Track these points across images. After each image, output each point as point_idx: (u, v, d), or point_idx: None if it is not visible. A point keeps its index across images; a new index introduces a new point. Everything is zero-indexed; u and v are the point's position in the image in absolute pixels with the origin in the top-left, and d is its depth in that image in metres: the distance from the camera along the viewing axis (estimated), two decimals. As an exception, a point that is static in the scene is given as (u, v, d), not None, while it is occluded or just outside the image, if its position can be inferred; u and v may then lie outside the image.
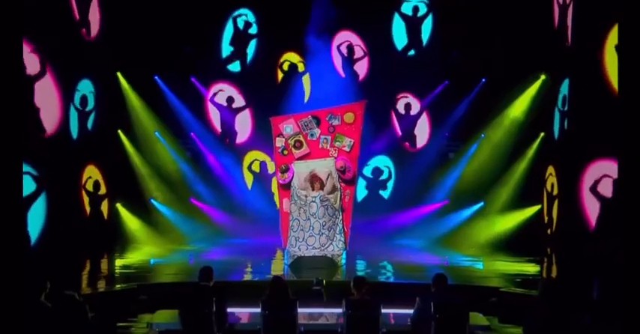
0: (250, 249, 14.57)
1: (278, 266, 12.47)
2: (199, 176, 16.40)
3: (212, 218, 16.15)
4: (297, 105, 15.91)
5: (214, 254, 14.12)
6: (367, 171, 16.86)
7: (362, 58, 16.87)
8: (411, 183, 16.31)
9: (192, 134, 16.51)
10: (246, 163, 16.84)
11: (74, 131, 14.08)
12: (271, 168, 16.28)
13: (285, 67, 16.88)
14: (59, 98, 13.31)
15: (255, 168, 16.79)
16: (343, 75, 16.71)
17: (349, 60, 16.89)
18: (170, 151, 16.22)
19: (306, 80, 16.77)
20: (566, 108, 13.58)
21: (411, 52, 16.73)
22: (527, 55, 14.80)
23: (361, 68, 16.91)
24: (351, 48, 16.90)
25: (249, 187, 16.84)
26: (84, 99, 14.58)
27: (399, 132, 16.85)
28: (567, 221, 12.94)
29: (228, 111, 16.85)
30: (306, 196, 11.72)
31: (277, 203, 13.48)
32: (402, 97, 16.84)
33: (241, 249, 14.45)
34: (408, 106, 16.86)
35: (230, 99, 16.85)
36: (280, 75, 16.90)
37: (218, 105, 16.82)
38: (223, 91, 16.79)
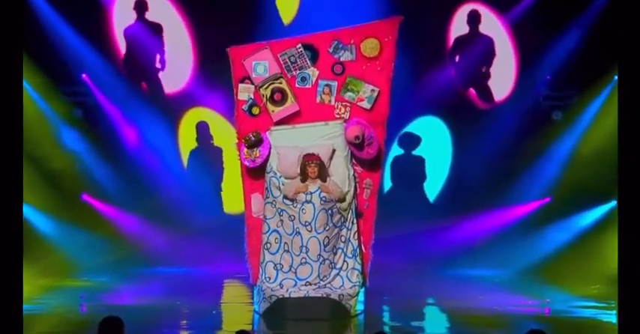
0: (191, 284, 14.80)
1: (242, 316, 12.72)
2: (99, 154, 16.48)
3: (122, 229, 16.30)
4: (276, 26, 16.13)
5: (125, 296, 14.21)
6: (402, 143, 17.03)
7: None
8: (481, 167, 16.45)
9: (83, 76, 16.55)
10: (183, 129, 17.02)
11: None
12: (223, 135, 16.22)
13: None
14: None
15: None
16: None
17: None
18: (44, 108, 16.17)
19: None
20: None
21: None
22: None
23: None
24: None
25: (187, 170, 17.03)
26: None
27: (461, 76, 17.00)
28: None
29: (152, 35, 16.90)
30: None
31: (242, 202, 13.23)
32: (466, 10, 16.94)
33: (175, 286, 14.65)
34: (477, 26, 16.95)
35: (148, 12, 16.91)
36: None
37: (132, 26, 16.85)
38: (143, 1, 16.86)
